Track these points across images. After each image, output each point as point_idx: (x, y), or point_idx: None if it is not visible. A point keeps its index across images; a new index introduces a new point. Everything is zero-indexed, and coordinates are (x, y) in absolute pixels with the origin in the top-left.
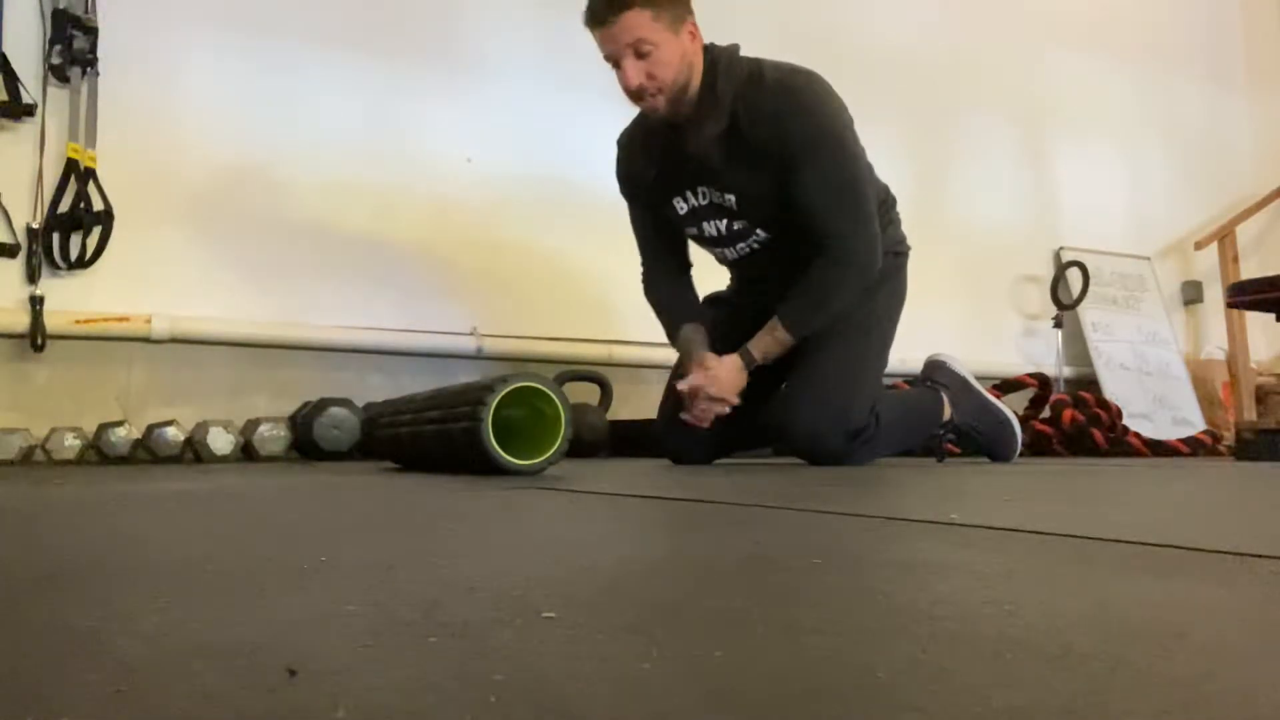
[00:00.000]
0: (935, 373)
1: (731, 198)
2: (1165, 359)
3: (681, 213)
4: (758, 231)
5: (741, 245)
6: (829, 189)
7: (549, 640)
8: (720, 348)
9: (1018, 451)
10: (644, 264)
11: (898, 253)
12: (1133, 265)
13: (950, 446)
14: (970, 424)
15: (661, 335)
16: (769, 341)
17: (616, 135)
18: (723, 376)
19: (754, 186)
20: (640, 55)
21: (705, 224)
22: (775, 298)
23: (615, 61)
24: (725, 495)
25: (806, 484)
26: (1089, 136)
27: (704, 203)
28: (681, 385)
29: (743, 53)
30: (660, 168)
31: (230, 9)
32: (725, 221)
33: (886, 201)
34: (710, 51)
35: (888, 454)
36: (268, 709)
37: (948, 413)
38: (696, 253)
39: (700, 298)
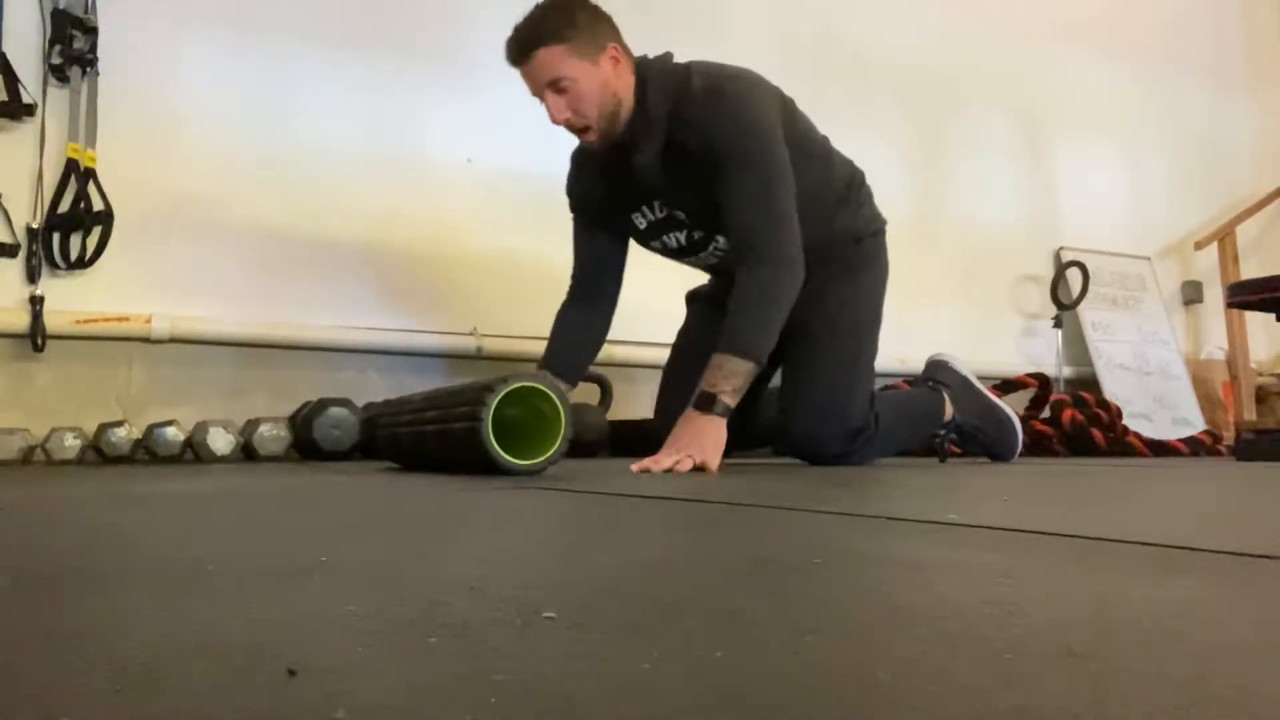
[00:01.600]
0: (937, 372)
1: (681, 214)
2: (1165, 359)
3: (641, 228)
4: (718, 239)
5: (704, 254)
6: (745, 194)
7: (549, 640)
8: (710, 340)
9: (1018, 451)
10: (572, 279)
11: (875, 232)
12: (1133, 265)
13: (952, 447)
14: (972, 423)
15: (662, 335)
16: (718, 379)
17: None
18: (705, 445)
19: (701, 198)
20: (559, 91)
21: (666, 237)
22: None
23: (539, 98)
24: (725, 495)
25: (806, 484)
26: (1089, 136)
27: (661, 216)
28: (643, 468)
29: (735, 56)
30: (610, 187)
31: (230, 9)
32: (685, 233)
33: (854, 181)
34: (641, 69)
35: (889, 454)
36: (268, 709)
37: (949, 413)
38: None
39: (604, 333)
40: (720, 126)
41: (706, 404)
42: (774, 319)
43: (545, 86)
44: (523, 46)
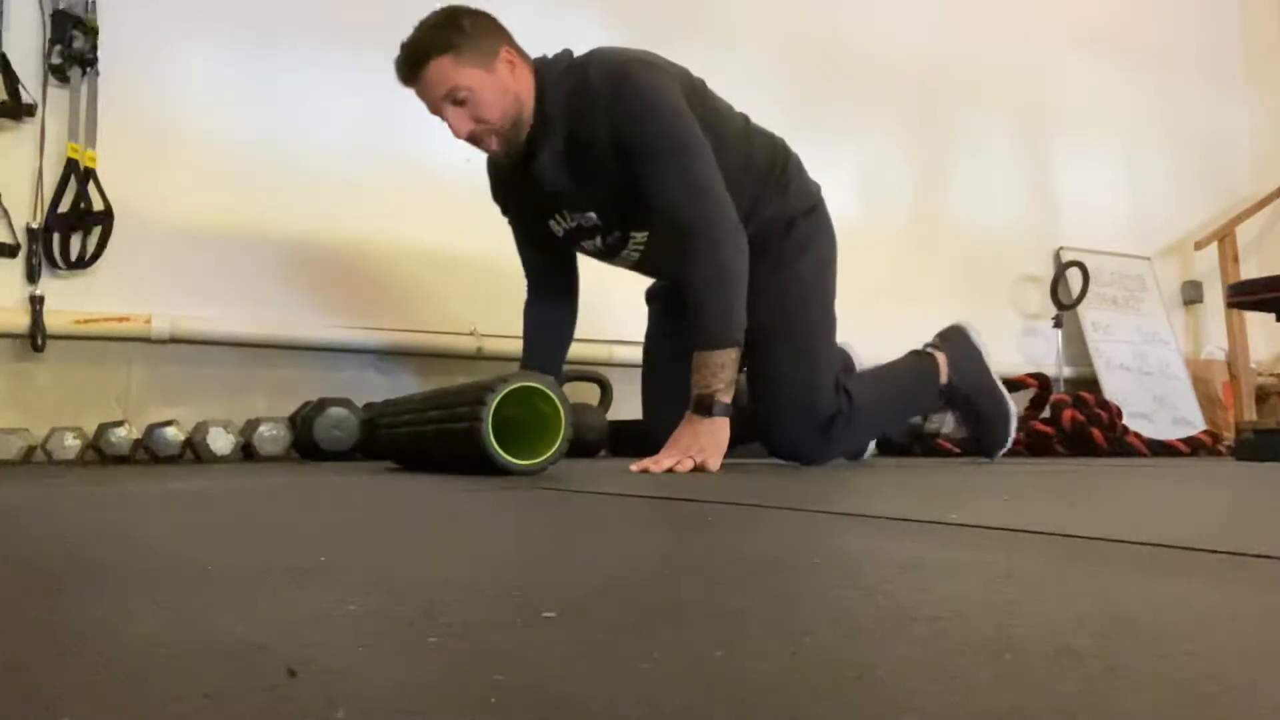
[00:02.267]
0: (948, 334)
1: (593, 215)
2: (1165, 359)
3: (560, 235)
4: (633, 235)
5: (625, 252)
6: (665, 178)
7: (549, 640)
8: (670, 342)
9: (1005, 448)
10: (527, 283)
11: (809, 208)
12: (1133, 265)
13: (945, 444)
14: (968, 395)
15: None
16: (706, 377)
17: None
18: (705, 446)
19: (608, 196)
20: (458, 103)
21: (585, 243)
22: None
23: (438, 114)
24: (725, 495)
25: (806, 484)
26: (1089, 136)
27: (572, 225)
28: (642, 468)
29: (722, 53)
30: (522, 197)
31: (231, 9)
32: (599, 238)
33: (777, 157)
34: (539, 69)
35: (883, 428)
36: (268, 709)
37: (944, 375)
38: None
39: (572, 324)
40: (623, 113)
41: (704, 408)
42: (734, 297)
43: (442, 100)
44: (411, 62)
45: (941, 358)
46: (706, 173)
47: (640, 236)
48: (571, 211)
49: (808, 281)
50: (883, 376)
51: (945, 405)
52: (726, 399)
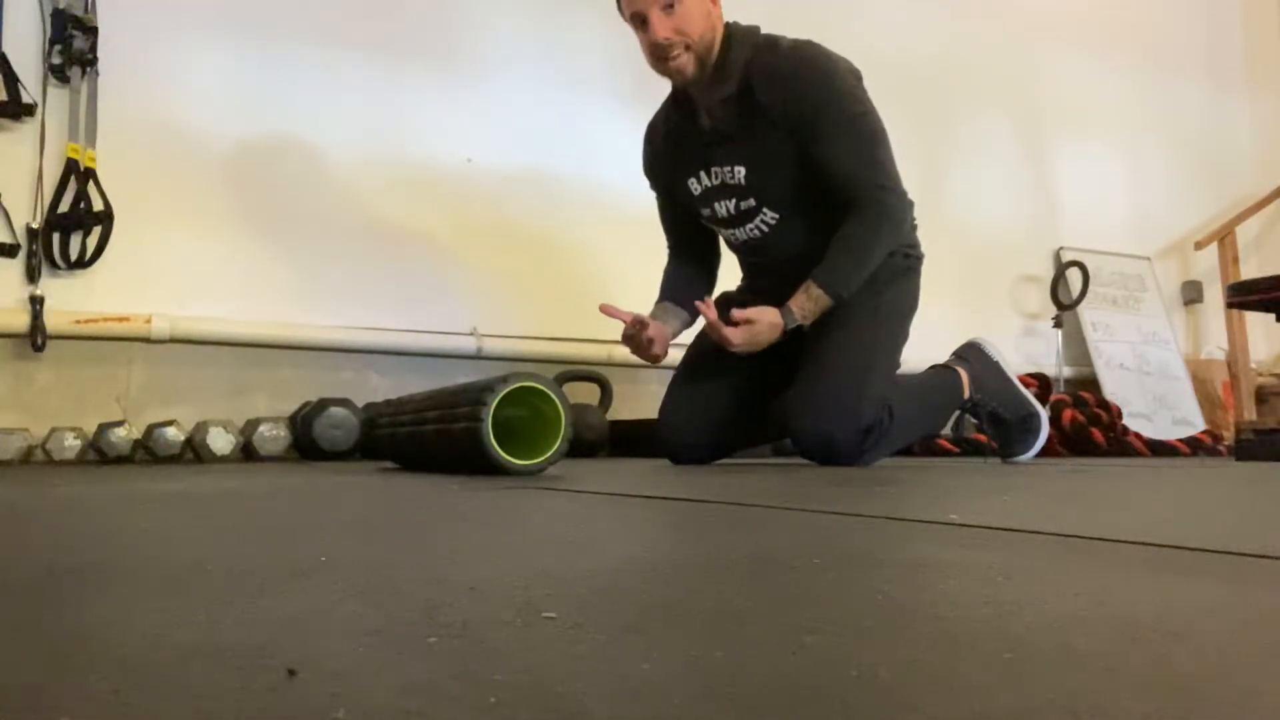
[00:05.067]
0: (964, 352)
1: (741, 170)
2: (1165, 359)
3: (696, 193)
4: (765, 211)
5: (750, 225)
6: (853, 144)
7: (549, 640)
8: (716, 357)
9: (1036, 449)
10: (669, 251)
11: (908, 254)
12: (1133, 265)
13: (945, 443)
14: (993, 406)
15: None
16: (804, 301)
17: (617, 134)
18: (762, 341)
19: (765, 155)
20: (666, 7)
21: (716, 204)
22: (779, 295)
23: (641, 19)
24: (725, 495)
25: (806, 484)
26: (1089, 136)
27: (715, 183)
28: (727, 335)
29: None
30: (676, 148)
31: (230, 9)
32: (734, 201)
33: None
34: (730, 25)
35: (906, 444)
36: (268, 709)
37: (967, 391)
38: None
39: (709, 282)
40: (811, 80)
41: (789, 318)
42: (866, 267)
43: (654, 3)
44: None
45: (964, 373)
46: (888, 157)
47: (772, 215)
48: (720, 166)
49: (887, 306)
50: (912, 393)
51: (969, 415)
52: (804, 323)
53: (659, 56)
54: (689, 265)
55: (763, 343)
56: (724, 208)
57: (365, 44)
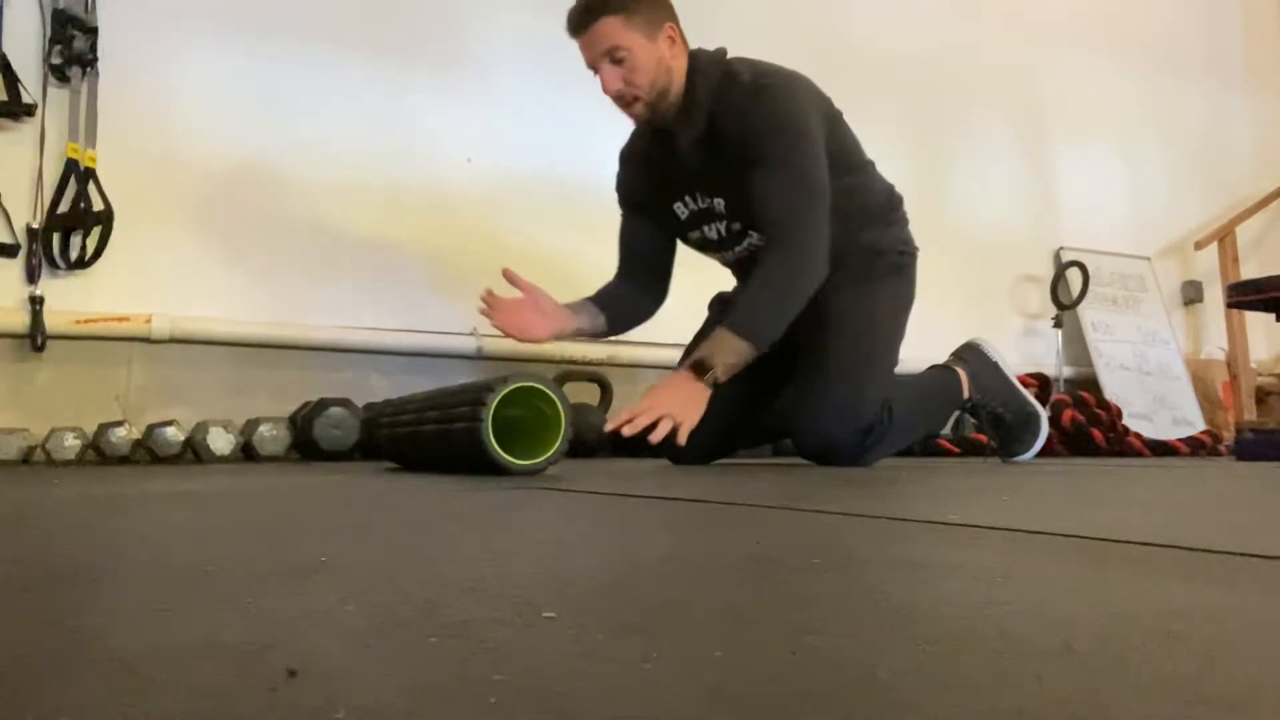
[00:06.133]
0: (963, 353)
1: (720, 202)
2: (1165, 359)
3: (682, 218)
4: (751, 234)
5: (739, 248)
6: (778, 176)
7: (549, 640)
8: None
9: (1036, 449)
10: (617, 270)
11: (901, 251)
12: (1133, 265)
13: (945, 443)
14: (993, 406)
15: (662, 336)
16: (729, 355)
17: (617, 134)
18: (688, 407)
19: (737, 188)
20: (615, 61)
21: (705, 228)
22: None
23: (594, 68)
24: (725, 495)
25: (806, 484)
26: (1089, 136)
27: (701, 206)
28: (623, 421)
29: (736, 54)
30: (654, 177)
31: (230, 9)
32: (724, 224)
33: (891, 201)
34: (694, 57)
35: (906, 444)
36: (268, 709)
37: (966, 391)
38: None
39: (643, 307)
40: (758, 121)
41: (699, 370)
42: (788, 308)
43: (601, 56)
44: (585, 15)
45: (963, 373)
46: (817, 205)
47: (758, 238)
48: (701, 194)
49: (882, 304)
50: (912, 394)
51: (969, 415)
52: (721, 378)
53: (616, 103)
54: (631, 285)
55: (689, 405)
56: (713, 230)
57: (365, 44)
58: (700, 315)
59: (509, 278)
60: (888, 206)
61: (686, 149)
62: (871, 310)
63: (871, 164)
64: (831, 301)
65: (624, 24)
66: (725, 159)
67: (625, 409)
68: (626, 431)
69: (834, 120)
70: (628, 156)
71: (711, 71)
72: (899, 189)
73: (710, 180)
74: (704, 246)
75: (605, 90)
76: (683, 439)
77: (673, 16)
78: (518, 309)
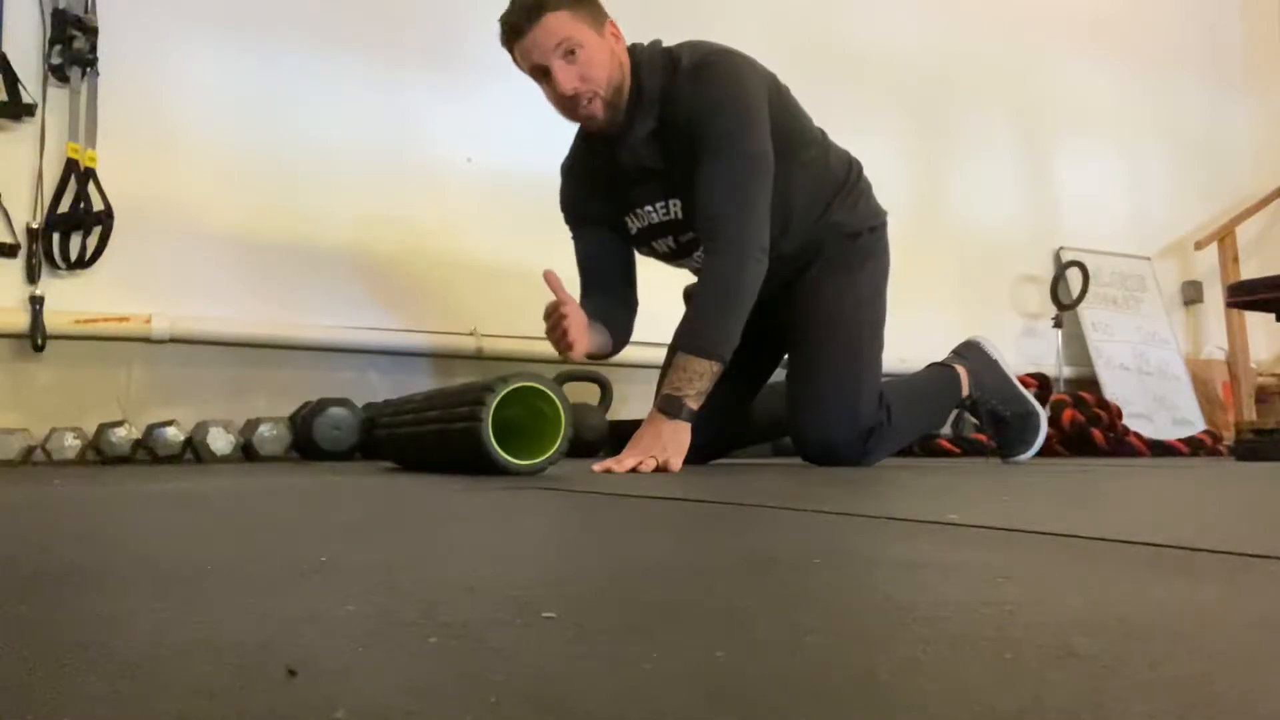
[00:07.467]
0: (963, 350)
1: (677, 203)
2: (1165, 359)
3: (634, 232)
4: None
5: (698, 254)
6: (715, 178)
7: (549, 640)
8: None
9: (1036, 449)
10: (580, 294)
11: (873, 227)
12: (1133, 265)
13: (945, 443)
14: (992, 405)
15: (661, 335)
16: (693, 379)
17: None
18: (668, 446)
19: (693, 185)
20: (569, 55)
21: (655, 242)
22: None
23: (543, 71)
24: (725, 495)
25: (806, 484)
26: (1089, 136)
27: (654, 220)
28: (605, 468)
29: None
30: (603, 189)
31: (230, 9)
32: (672, 238)
33: (852, 171)
34: (634, 52)
35: (908, 442)
36: (268, 709)
37: (965, 389)
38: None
39: (621, 321)
40: (701, 102)
41: (672, 408)
42: (736, 315)
43: (552, 52)
44: (530, 10)
45: (962, 371)
46: (757, 190)
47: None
48: (655, 203)
49: (863, 291)
50: (911, 392)
51: (968, 413)
52: (694, 406)
53: (568, 108)
54: (606, 300)
55: (669, 444)
56: (664, 244)
57: (366, 44)
58: None
59: (550, 282)
60: (849, 176)
61: (636, 149)
62: (856, 301)
63: (824, 133)
64: (815, 296)
65: (571, 16)
66: (678, 150)
67: (611, 460)
68: (617, 469)
69: (783, 94)
70: (570, 170)
71: (654, 63)
72: (899, 189)
73: (662, 183)
74: (657, 258)
75: (562, 89)
76: (675, 468)
77: (607, 13)
78: (580, 319)
